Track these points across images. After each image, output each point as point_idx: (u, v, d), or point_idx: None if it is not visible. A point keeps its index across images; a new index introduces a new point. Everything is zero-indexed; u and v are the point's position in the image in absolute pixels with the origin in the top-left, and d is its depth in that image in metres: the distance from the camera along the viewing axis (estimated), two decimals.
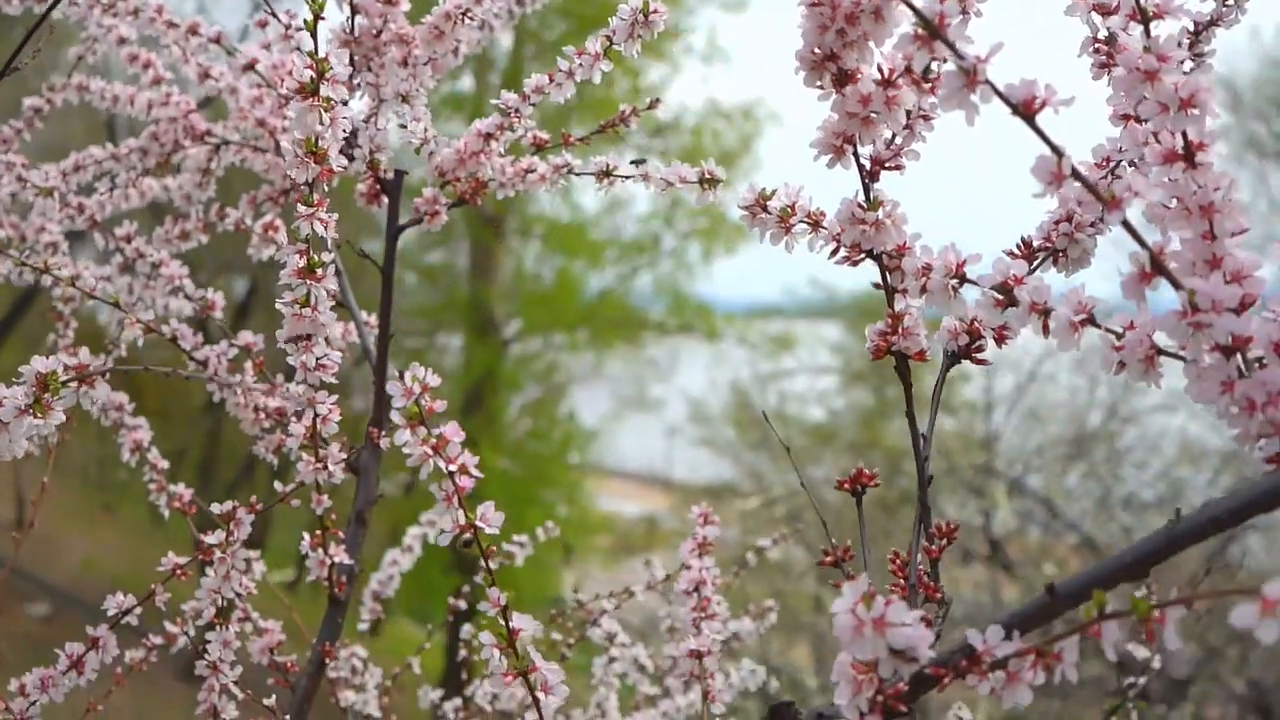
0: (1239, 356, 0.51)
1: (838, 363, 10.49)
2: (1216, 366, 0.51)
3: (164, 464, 1.10)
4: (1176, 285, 0.51)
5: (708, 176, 0.81)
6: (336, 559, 0.97)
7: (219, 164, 1.20)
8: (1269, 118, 9.44)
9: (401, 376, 0.61)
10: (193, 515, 1.05)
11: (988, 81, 0.50)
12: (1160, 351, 0.54)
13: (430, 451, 0.62)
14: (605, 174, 0.95)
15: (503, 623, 0.64)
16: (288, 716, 0.94)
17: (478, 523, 0.63)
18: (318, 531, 0.96)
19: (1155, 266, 0.52)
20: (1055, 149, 0.51)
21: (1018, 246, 0.69)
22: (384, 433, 0.97)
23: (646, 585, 1.29)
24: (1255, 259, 0.54)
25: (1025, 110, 0.51)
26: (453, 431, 0.62)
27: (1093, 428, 7.09)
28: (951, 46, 0.49)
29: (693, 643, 0.92)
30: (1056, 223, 0.68)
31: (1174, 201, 0.56)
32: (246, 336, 1.05)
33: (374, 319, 1.09)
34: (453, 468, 0.62)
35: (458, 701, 1.36)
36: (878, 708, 0.54)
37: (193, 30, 1.09)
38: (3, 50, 0.89)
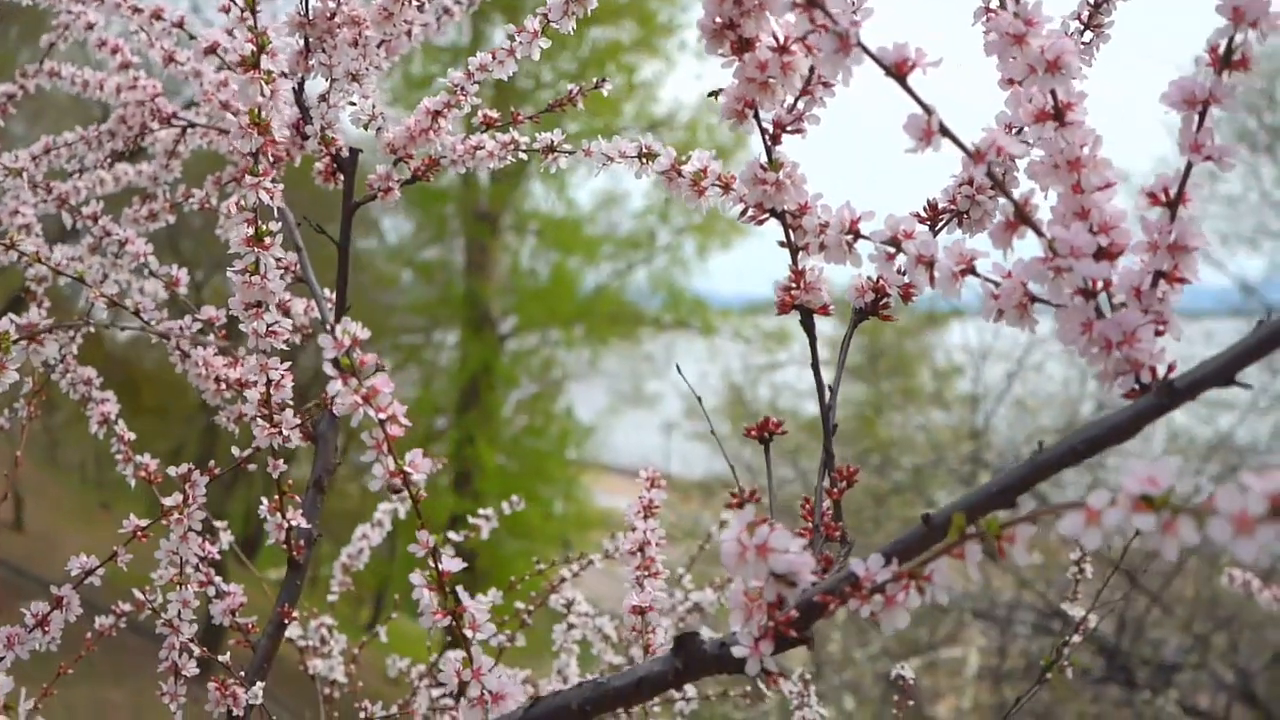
0: (1097, 300, 0.55)
1: (831, 356, 10.53)
2: (1077, 309, 0.55)
3: (130, 435, 1.13)
4: (1039, 233, 0.55)
5: (645, 151, 0.85)
6: (294, 523, 1.00)
7: (186, 146, 1.23)
8: (1259, 110, 9.47)
9: (333, 331, 0.64)
10: (158, 484, 1.09)
11: (860, 45, 0.54)
12: (1034, 299, 0.58)
13: (361, 401, 0.65)
14: (550, 149, 0.99)
15: (432, 564, 0.68)
16: (244, 673, 0.98)
17: (406, 468, 0.67)
18: (275, 497, 0.99)
19: (1020, 216, 0.56)
20: (925, 107, 0.54)
21: (923, 209, 0.72)
22: None
23: (604, 554, 1.33)
24: (1120, 211, 0.58)
25: (897, 71, 0.54)
26: (383, 382, 0.66)
27: (1083, 419, 7.13)
28: (826, 12, 0.53)
29: (635, 599, 0.96)
30: (959, 185, 0.71)
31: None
32: (209, 311, 1.09)
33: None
34: (383, 415, 0.65)
35: (421, 668, 1.40)
36: (769, 634, 0.58)
37: (156, 15, 1.13)
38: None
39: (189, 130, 1.23)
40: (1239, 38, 0.55)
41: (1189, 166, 0.56)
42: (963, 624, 6.28)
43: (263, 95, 0.74)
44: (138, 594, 1.13)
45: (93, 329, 1.00)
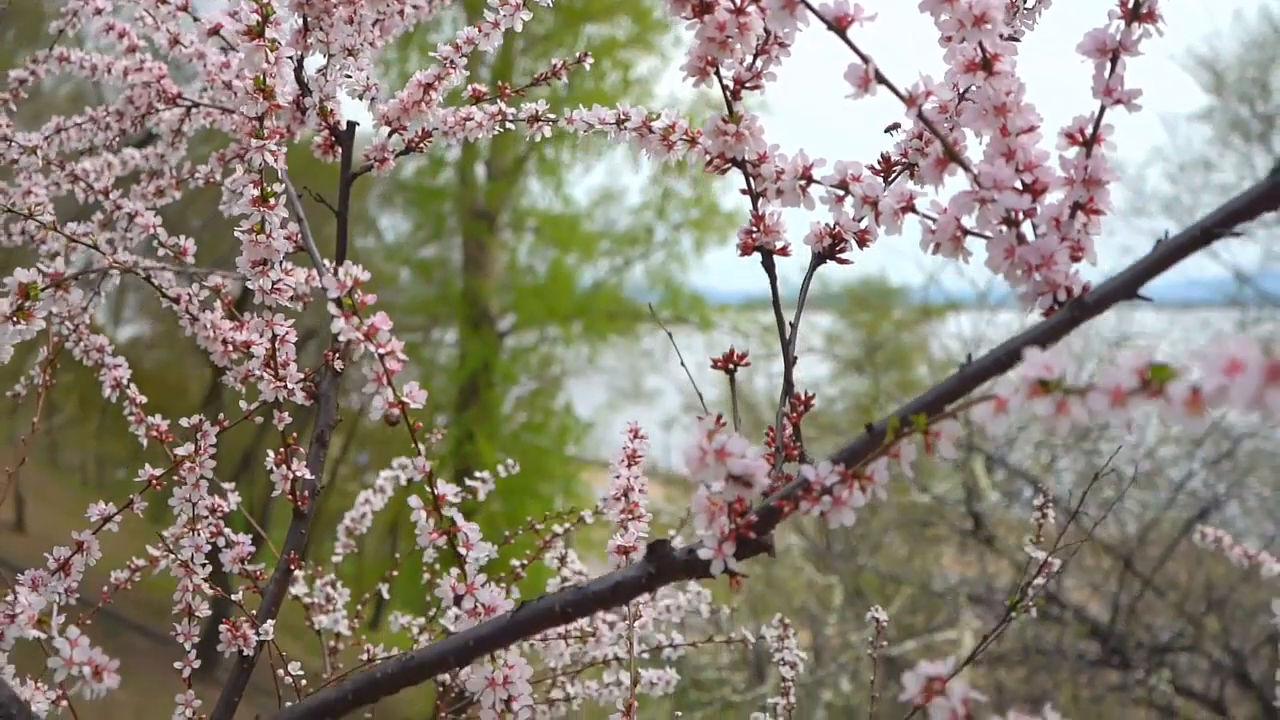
0: (1020, 228, 0.61)
1: (831, 349, 10.61)
2: (1002, 237, 0.61)
3: (142, 399, 1.20)
4: (967, 169, 0.61)
5: (620, 118, 0.91)
6: (299, 474, 1.07)
7: (191, 125, 1.30)
8: (1252, 100, 9.52)
9: (335, 273, 0.71)
10: (169, 443, 1.15)
11: (805, 2, 0.60)
12: (965, 231, 0.64)
13: (362, 337, 0.71)
14: (535, 119, 1.05)
15: (429, 489, 0.74)
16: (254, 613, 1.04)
17: (404, 399, 0.73)
18: (281, 449, 1.06)
19: (949, 154, 0.62)
20: (864, 57, 0.61)
21: (877, 161, 0.79)
22: (340, 356, 1.07)
23: (595, 511, 1.39)
24: (1044, 151, 0.64)
25: (838, 25, 0.61)
26: (382, 320, 0.72)
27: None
28: None
29: (619, 540, 1.02)
30: (911, 139, 0.78)
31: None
32: (215, 279, 1.15)
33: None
34: (383, 351, 0.72)
35: (422, 620, 1.46)
36: (731, 536, 0.64)
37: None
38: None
39: (193, 110, 1.30)
40: None
41: (1102, 109, 0.62)
42: (959, 609, 6.34)
43: (267, 62, 0.80)
44: (152, 550, 1.19)
45: (103, 298, 1.06)
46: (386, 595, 1.46)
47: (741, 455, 0.60)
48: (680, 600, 1.42)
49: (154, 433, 1.16)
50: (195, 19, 1.18)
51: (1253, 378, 0.38)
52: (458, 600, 0.74)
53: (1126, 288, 0.57)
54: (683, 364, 1.06)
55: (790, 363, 0.74)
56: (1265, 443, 7.62)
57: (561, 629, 1.25)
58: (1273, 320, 8.67)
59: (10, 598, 0.75)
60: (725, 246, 12.17)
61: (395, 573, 1.52)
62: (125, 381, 1.21)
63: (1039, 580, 1.17)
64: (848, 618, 6.10)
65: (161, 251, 1.15)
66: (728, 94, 0.71)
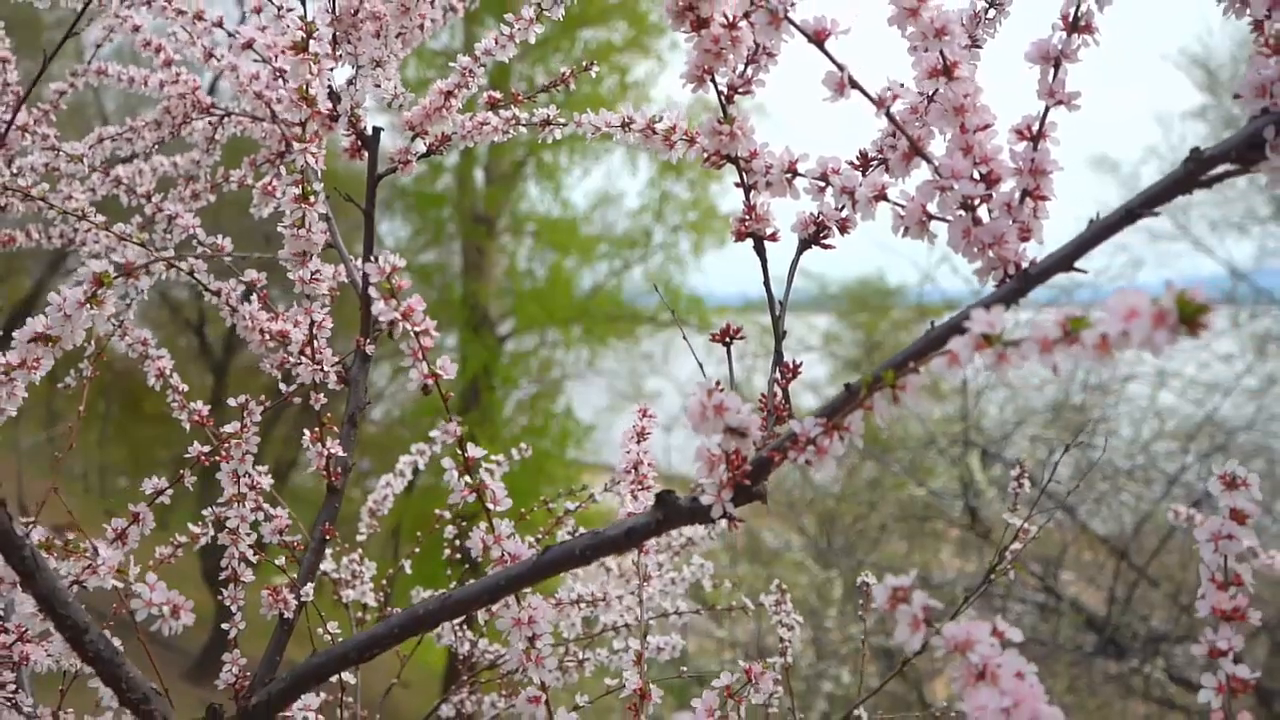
0: (976, 212, 0.71)
1: (829, 349, 10.71)
2: (960, 220, 0.71)
3: (184, 387, 1.29)
4: (929, 161, 0.71)
5: (625, 121, 1.00)
6: (333, 452, 1.16)
7: (223, 133, 1.39)
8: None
9: (376, 259, 0.80)
10: (209, 427, 1.24)
11: (787, 18, 0.70)
12: (930, 216, 0.74)
13: (400, 316, 0.81)
14: (547, 123, 1.14)
15: (460, 451, 0.84)
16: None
17: (438, 370, 0.83)
18: (316, 428, 1.15)
19: (913, 149, 0.71)
20: (839, 66, 0.70)
21: (857, 156, 0.88)
22: (371, 341, 1.16)
23: (604, 488, 1.49)
24: (999, 145, 0.73)
25: (817, 38, 0.70)
26: (417, 302, 0.82)
27: (1075, 403, 7.31)
28: None
29: (630, 505, 1.11)
30: (885, 137, 0.87)
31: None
32: (251, 274, 1.25)
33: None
34: (418, 328, 0.81)
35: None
36: (729, 484, 0.73)
37: (199, 16, 1.28)
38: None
39: (226, 119, 1.39)
40: (1084, 6, 0.71)
41: (1046, 109, 0.71)
42: (955, 602, 6.41)
43: (311, 73, 0.90)
44: (193, 528, 1.28)
45: (170, 273, 1.15)
46: (409, 570, 1.55)
47: (737, 411, 0.70)
48: (685, 573, 1.51)
49: (196, 417, 1.26)
50: (230, 34, 1.28)
51: (1145, 322, 0.48)
52: (486, 550, 0.83)
53: (1064, 261, 0.66)
54: (696, 360, 1.15)
55: (780, 336, 0.84)
56: (1260, 436, 7.72)
57: (575, 596, 1.34)
58: (1268, 316, 8.77)
59: (90, 550, 0.84)
60: (723, 249, 12.27)
61: (418, 549, 1.61)
62: (169, 371, 1.31)
63: (1015, 545, 1.26)
64: (847, 611, 6.18)
65: (200, 250, 1.25)
66: (722, 98, 0.80)
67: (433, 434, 1.71)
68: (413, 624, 0.78)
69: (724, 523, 0.76)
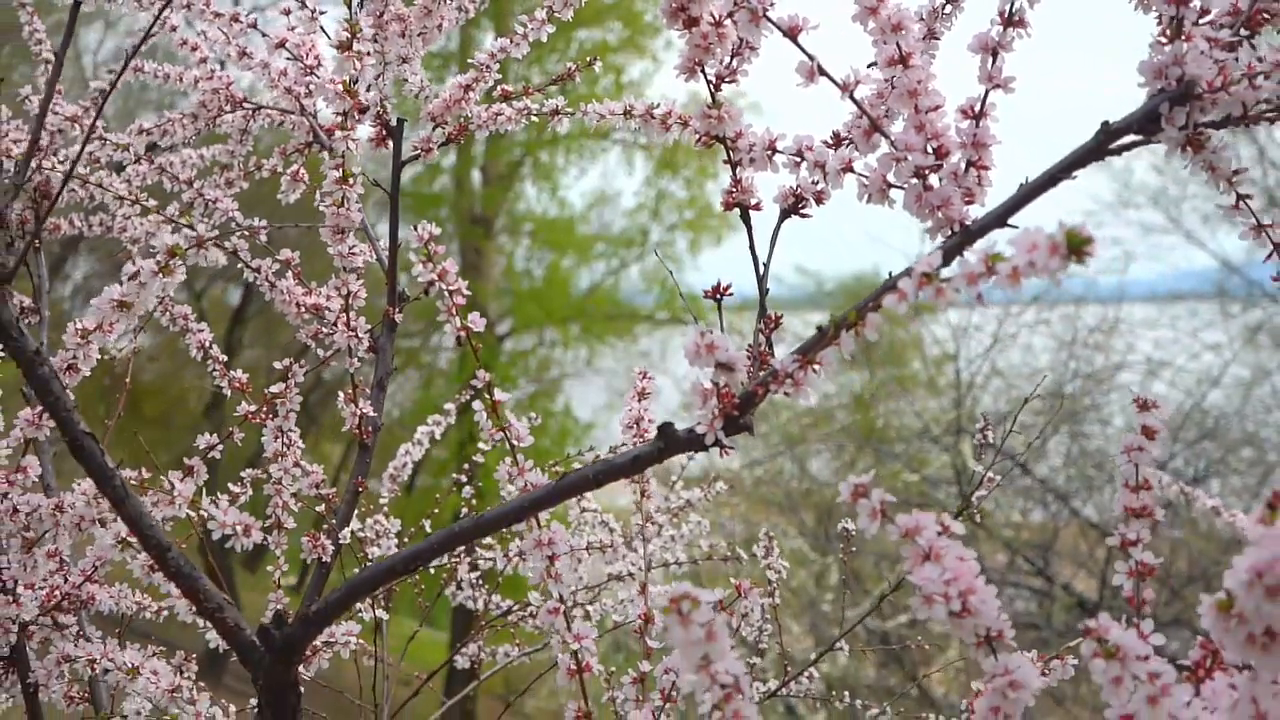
0: (927, 180, 0.83)
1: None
2: (914, 187, 0.83)
3: (224, 357, 1.41)
4: (887, 137, 0.84)
5: (627, 109, 1.13)
6: (364, 411, 1.29)
7: (255, 125, 1.51)
8: None
9: (415, 227, 0.93)
10: (248, 392, 1.37)
11: (765, 16, 0.82)
12: (889, 184, 0.87)
13: (436, 277, 0.94)
14: (555, 113, 1.27)
15: (488, 396, 0.97)
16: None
17: (469, 325, 0.95)
18: (349, 389, 1.28)
19: (873, 127, 0.84)
20: (810, 56, 0.83)
21: (831, 136, 1.01)
22: (398, 310, 1.28)
23: (611, 450, 1.61)
24: (947, 124, 0.86)
25: (791, 33, 0.83)
26: (450, 265, 0.95)
27: (1069, 392, 7.46)
28: None
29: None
30: (853, 119, 1.00)
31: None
32: (286, 253, 1.37)
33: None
34: (452, 288, 0.94)
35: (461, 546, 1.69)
36: (720, 415, 0.86)
37: (235, 18, 1.41)
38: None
39: (258, 112, 1.52)
40: (1018, 4, 0.84)
41: (986, 92, 0.84)
42: None
43: (355, 69, 1.02)
44: (233, 488, 1.41)
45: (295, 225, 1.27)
46: (429, 529, 1.68)
47: (726, 349, 0.82)
48: (684, 530, 1.64)
49: (236, 384, 1.38)
50: (264, 35, 1.40)
51: (1043, 253, 0.61)
52: (511, 480, 0.96)
53: (999, 219, 0.79)
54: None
55: (763, 294, 0.96)
56: (1248, 423, 7.86)
57: (584, 543, 1.47)
58: (1259, 308, 8.93)
59: (167, 485, 0.96)
60: (720, 247, 12.39)
61: (436, 510, 1.74)
62: (208, 344, 1.43)
63: (981, 492, 1.39)
64: (843, 595, 6.32)
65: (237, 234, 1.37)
66: (711, 87, 0.93)
67: (447, 406, 1.85)
68: (450, 540, 0.91)
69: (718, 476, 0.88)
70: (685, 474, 1.88)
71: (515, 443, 0.96)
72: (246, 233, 1.37)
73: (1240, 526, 1.92)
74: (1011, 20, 0.84)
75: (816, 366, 0.82)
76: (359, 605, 1.66)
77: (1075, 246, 0.59)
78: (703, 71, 0.92)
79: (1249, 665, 0.63)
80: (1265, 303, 8.84)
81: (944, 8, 1.04)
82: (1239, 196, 0.80)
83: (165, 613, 1.36)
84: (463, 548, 1.84)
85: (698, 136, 0.95)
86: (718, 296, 0.97)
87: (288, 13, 1.40)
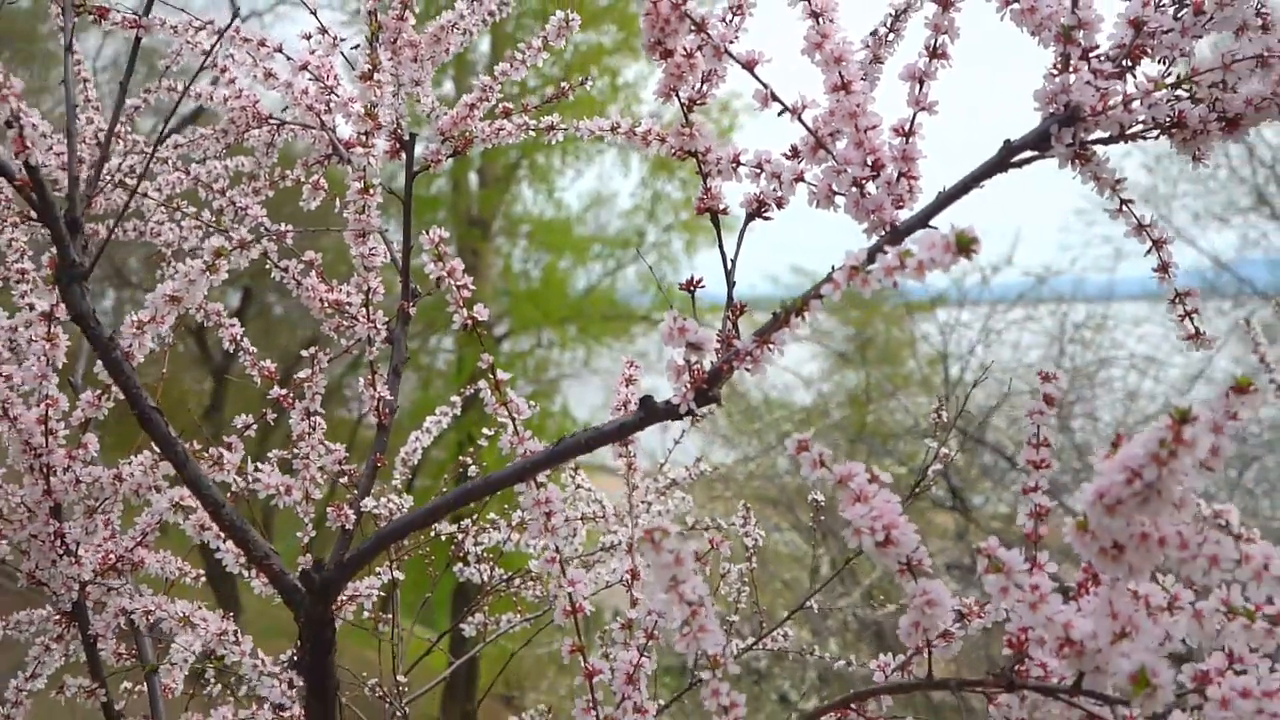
0: (864, 188, 0.99)
1: (822, 343, 11.02)
2: (853, 194, 0.99)
3: (254, 350, 1.57)
4: (829, 153, 0.99)
5: (614, 126, 1.28)
6: (382, 394, 1.44)
7: (279, 139, 1.67)
8: None
9: (427, 231, 1.08)
10: (275, 380, 1.52)
11: (727, 51, 0.98)
12: (834, 191, 1.02)
13: (446, 274, 1.09)
14: (551, 128, 1.43)
15: (492, 375, 1.12)
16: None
17: (475, 315, 1.10)
18: (368, 374, 1.43)
19: (818, 144, 1.00)
20: (764, 84, 0.99)
21: (789, 149, 1.16)
22: (412, 304, 1.44)
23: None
24: (885, 140, 1.02)
25: (748, 65, 0.99)
26: (458, 263, 1.10)
27: (1060, 388, 7.63)
28: (707, 34, 0.97)
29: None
30: (805, 137, 1.15)
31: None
32: (310, 254, 1.53)
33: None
34: (459, 283, 1.09)
35: (467, 521, 1.84)
36: (692, 388, 1.01)
37: (262, 43, 1.56)
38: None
39: (282, 128, 1.67)
40: (939, 40, 0.99)
41: (914, 114, 1.00)
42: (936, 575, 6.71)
43: (375, 95, 1.18)
44: (273, 455, 1.56)
45: (269, 245, 1.43)
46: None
47: (695, 331, 0.98)
48: (670, 505, 1.79)
49: (265, 373, 1.54)
50: (288, 58, 1.56)
51: (939, 249, 0.76)
52: (513, 449, 1.12)
53: (920, 222, 0.95)
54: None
55: (731, 285, 1.12)
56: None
57: (579, 513, 1.62)
58: (1249, 305, 9.10)
59: (217, 454, 1.12)
60: (715, 248, 12.50)
61: (444, 489, 1.88)
62: (239, 337, 1.58)
63: (936, 467, 1.54)
64: (832, 586, 6.47)
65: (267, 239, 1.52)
66: (684, 108, 1.08)
67: (453, 399, 2.01)
68: (464, 496, 1.06)
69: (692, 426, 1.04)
70: (671, 459, 2.04)
71: (515, 415, 1.11)
72: (275, 237, 1.52)
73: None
74: (935, 53, 0.99)
75: (772, 346, 0.97)
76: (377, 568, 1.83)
77: (964, 245, 0.75)
78: (677, 95, 1.08)
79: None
80: (1257, 300, 9.01)
81: (887, 36, 1.20)
82: (1122, 201, 0.95)
83: (202, 578, 1.51)
84: (470, 536, 1.99)
85: (673, 150, 1.11)
86: (691, 289, 1.13)
87: (308, 37, 1.56)
